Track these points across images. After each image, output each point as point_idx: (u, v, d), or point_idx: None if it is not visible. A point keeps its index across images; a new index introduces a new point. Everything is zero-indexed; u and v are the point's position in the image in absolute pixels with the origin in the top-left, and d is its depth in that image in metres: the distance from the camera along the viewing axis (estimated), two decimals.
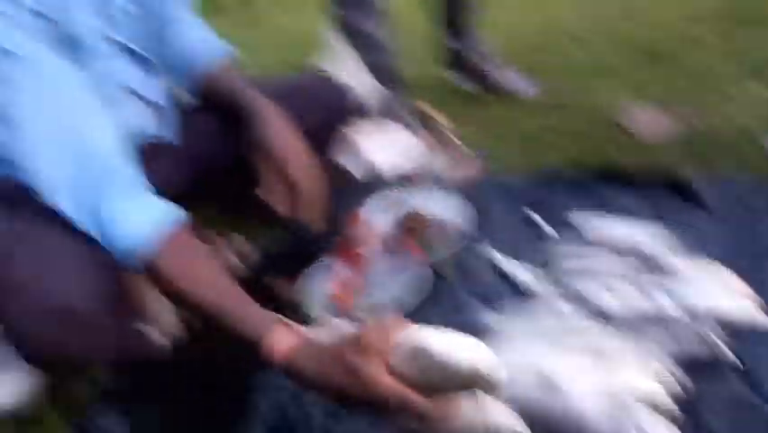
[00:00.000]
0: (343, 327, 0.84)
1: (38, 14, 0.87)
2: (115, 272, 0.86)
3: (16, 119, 0.83)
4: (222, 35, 1.22)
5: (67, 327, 0.80)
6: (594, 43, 2.21)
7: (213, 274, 0.83)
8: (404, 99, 1.85)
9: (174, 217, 0.85)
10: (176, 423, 1.02)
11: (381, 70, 1.75)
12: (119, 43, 1.02)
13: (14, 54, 0.83)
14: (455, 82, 2.02)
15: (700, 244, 1.11)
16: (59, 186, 0.83)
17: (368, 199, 1.40)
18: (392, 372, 0.69)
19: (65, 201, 0.83)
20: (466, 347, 0.68)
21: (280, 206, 1.07)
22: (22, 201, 0.87)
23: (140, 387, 1.08)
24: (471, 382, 0.68)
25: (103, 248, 0.83)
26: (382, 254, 1.25)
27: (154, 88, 1.11)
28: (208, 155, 1.17)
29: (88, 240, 0.83)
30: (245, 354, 0.77)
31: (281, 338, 0.76)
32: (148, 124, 1.11)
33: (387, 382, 0.69)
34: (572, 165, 1.47)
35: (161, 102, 1.14)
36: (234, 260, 1.32)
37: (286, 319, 0.79)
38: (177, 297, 0.84)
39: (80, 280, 0.81)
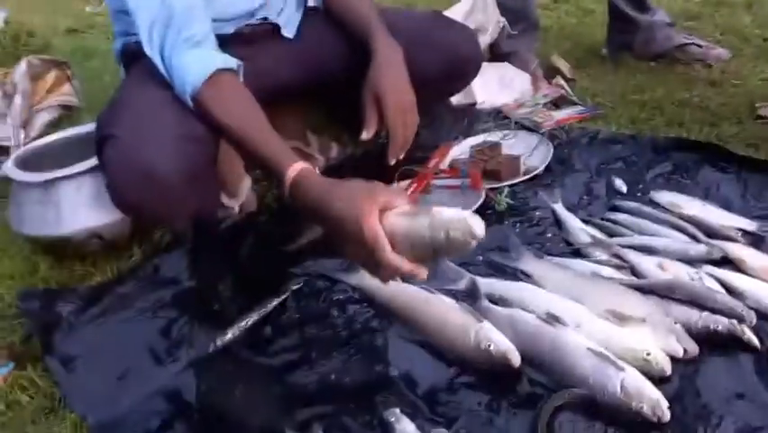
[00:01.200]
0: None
1: None
2: (205, 146, 0.99)
3: None
4: None
5: (148, 190, 0.94)
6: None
7: (247, 110, 0.94)
8: (534, 47, 1.79)
9: (222, 64, 0.96)
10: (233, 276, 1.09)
11: (516, 12, 1.72)
12: None
13: None
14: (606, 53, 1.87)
15: None
16: (142, 31, 0.98)
17: (461, 138, 1.41)
18: (384, 222, 0.75)
19: (146, 44, 0.98)
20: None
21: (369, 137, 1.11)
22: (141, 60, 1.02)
23: (207, 241, 1.18)
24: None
25: (197, 120, 0.95)
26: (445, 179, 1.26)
27: None
28: (321, 58, 1.22)
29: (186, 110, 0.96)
30: None
31: (297, 166, 0.85)
32: (258, 4, 1.17)
33: (373, 223, 0.74)
34: (680, 139, 1.32)
35: None
36: (315, 153, 1.41)
37: None
38: (215, 126, 0.95)
39: (168, 150, 0.93)
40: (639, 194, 1.15)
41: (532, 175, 1.22)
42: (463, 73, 1.28)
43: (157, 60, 0.98)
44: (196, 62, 0.95)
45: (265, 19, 1.19)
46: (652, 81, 1.65)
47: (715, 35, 1.91)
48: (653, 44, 1.77)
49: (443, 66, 1.20)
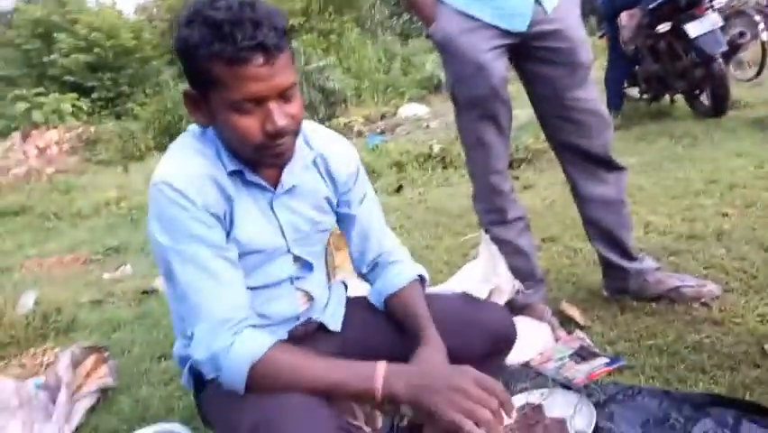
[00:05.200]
0: None
1: (215, 216, 1.10)
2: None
3: (182, 288, 1.09)
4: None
5: None
6: (741, 247, 2.19)
7: (311, 362, 1.05)
8: (544, 298, 1.95)
9: (261, 347, 1.05)
10: None
11: (523, 273, 1.90)
12: (294, 255, 1.26)
13: (200, 239, 1.08)
14: (606, 292, 2.04)
15: None
16: (192, 337, 1.08)
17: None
18: None
19: (194, 350, 1.07)
20: None
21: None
22: None
23: None
24: None
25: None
26: None
27: (313, 282, 1.32)
28: (367, 348, 1.27)
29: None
30: None
31: (382, 368, 1.02)
32: (303, 309, 1.30)
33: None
34: (714, 395, 1.38)
35: (317, 294, 1.33)
36: (362, 424, 1.45)
37: None
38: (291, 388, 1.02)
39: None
40: None
41: None
42: (502, 350, 1.39)
43: (204, 366, 1.07)
44: (237, 360, 1.04)
45: (310, 319, 1.32)
46: (659, 324, 1.79)
47: (699, 271, 2.11)
48: (647, 289, 1.94)
49: (485, 347, 1.30)
